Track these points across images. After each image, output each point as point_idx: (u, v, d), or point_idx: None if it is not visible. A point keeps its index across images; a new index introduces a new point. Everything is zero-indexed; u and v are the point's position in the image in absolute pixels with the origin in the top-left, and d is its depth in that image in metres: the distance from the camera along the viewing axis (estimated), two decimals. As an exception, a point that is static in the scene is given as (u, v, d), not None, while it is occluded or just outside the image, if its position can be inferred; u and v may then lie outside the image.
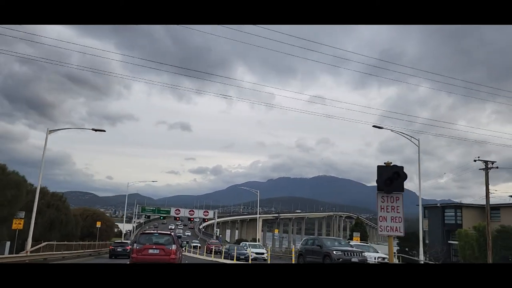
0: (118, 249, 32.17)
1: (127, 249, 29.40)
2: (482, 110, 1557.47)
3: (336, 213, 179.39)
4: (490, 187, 29.14)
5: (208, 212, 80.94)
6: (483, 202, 30.40)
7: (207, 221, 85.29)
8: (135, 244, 16.26)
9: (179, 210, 75.93)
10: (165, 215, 76.94)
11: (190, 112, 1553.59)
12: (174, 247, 15.87)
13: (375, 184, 8.29)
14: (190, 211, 78.04)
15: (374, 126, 27.89)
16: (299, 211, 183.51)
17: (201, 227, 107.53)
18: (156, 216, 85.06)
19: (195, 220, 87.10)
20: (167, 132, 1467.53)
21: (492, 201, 33.36)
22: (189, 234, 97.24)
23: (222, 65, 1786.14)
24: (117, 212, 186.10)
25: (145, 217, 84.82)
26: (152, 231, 18.84)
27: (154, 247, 15.62)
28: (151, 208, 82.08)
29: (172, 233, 17.74)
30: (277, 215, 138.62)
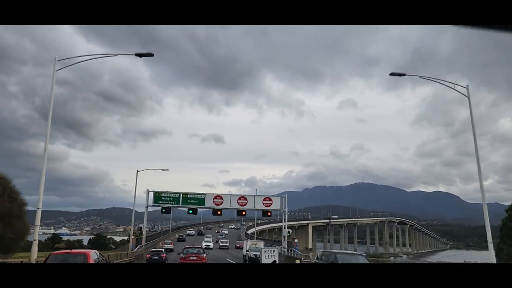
0: (154, 257, 34.58)
1: (163, 257, 34.08)
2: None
3: (388, 218, 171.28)
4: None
5: (271, 200, 49.37)
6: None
7: (270, 214, 50.63)
8: (181, 254, 28.42)
9: (221, 198, 47.93)
10: (195, 206, 48.43)
11: (221, 124, 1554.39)
12: (204, 255, 27.99)
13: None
14: (240, 197, 48.94)
15: (392, 74, 24.66)
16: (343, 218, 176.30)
17: (249, 232, 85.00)
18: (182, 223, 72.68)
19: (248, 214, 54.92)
20: (200, 145, 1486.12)
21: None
22: (226, 244, 61.61)
23: (250, 74, 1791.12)
24: (156, 227, 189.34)
25: (162, 211, 49.98)
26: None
27: (192, 255, 27.52)
28: (170, 196, 48.58)
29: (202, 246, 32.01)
30: (327, 220, 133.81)
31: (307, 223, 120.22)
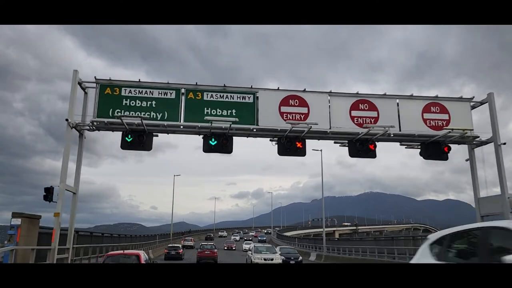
0: (172, 253, 36.38)
1: (179, 252, 36.52)
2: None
3: (414, 225, 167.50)
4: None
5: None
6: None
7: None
8: (198, 249, 34.30)
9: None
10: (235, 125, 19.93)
11: None
12: (216, 250, 33.55)
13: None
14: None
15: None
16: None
17: (287, 234, 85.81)
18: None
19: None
20: (206, 157, 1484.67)
21: None
22: None
23: (253, 83, 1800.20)
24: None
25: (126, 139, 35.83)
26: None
27: (207, 250, 33.06)
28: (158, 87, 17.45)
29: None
30: (354, 227, 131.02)
31: (334, 230, 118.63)
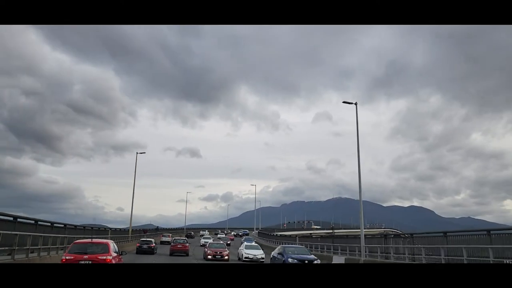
0: (144, 246, 36.32)
1: (151, 246, 36.47)
2: (498, 119, 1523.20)
3: (387, 229, 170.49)
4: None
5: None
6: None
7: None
8: (172, 243, 37.87)
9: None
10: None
11: (196, 137, 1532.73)
12: (187, 244, 37.15)
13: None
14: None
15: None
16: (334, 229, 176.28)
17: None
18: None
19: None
20: (175, 159, 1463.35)
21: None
22: None
23: (225, 85, 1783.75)
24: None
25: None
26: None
27: (179, 244, 36.24)
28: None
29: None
30: (331, 231, 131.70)
31: (310, 233, 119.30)
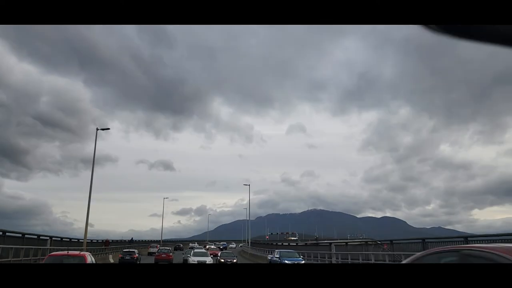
0: (126, 257, 35.56)
1: (134, 257, 35.54)
2: (465, 131, 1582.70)
3: (366, 239, 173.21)
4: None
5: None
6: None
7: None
8: (156, 253, 41.19)
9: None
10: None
11: (169, 149, 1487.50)
12: (171, 254, 40.04)
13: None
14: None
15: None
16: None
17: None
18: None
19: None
20: (148, 172, 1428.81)
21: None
22: None
23: (198, 97, 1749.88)
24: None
25: None
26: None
27: (163, 254, 38.64)
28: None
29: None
30: (315, 241, 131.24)
31: (297, 243, 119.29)
